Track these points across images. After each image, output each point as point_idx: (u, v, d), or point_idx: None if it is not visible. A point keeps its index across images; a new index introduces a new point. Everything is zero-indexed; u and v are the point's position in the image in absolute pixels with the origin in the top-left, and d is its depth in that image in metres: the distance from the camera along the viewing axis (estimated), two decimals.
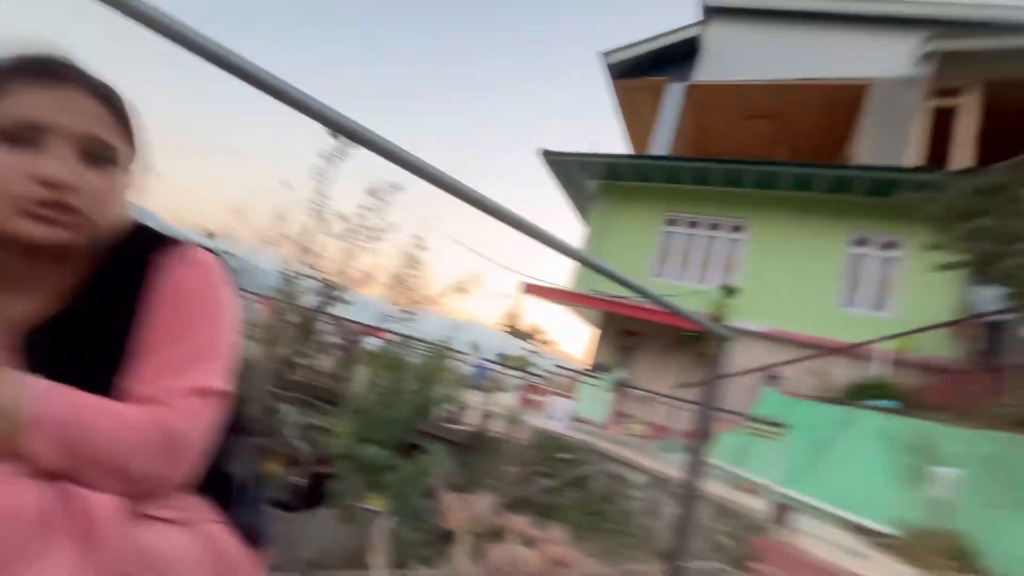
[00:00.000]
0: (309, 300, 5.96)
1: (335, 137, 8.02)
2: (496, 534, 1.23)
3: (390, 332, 6.54)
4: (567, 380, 9.40)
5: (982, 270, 5.91)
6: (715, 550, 4.55)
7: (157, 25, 0.64)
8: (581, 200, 12.59)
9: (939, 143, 8.88)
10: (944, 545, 3.94)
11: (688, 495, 2.03)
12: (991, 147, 8.16)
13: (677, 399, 7.72)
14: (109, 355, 0.62)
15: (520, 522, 1.27)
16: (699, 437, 2.01)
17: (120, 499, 0.53)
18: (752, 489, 5.37)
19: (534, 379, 8.70)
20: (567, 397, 7.75)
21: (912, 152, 8.92)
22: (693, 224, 10.09)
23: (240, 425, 0.76)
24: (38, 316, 0.62)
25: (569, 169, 10.95)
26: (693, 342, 8.84)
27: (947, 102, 9.12)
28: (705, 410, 2.03)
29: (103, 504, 0.50)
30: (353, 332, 6.66)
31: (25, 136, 0.57)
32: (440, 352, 5.43)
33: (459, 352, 7.05)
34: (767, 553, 4.26)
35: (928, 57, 9.00)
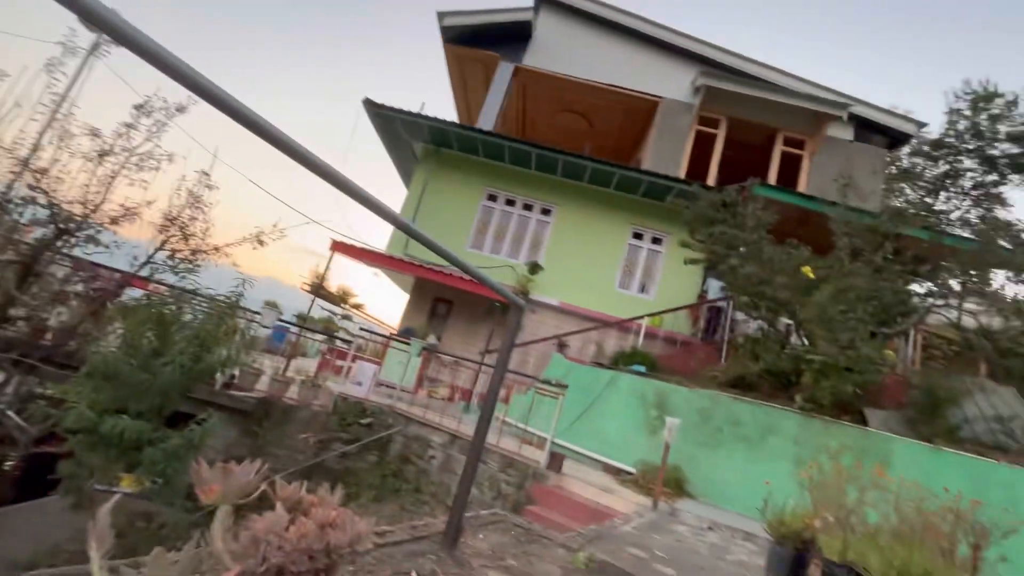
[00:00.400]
0: (34, 234, 4.57)
1: (88, 28, 6.20)
2: (263, 505, 1.14)
3: (159, 283, 5.46)
4: (376, 344, 9.19)
5: (713, 267, 7.61)
6: (498, 498, 5.05)
7: None
8: (405, 161, 12.21)
9: (701, 161, 11.04)
10: (667, 477, 5.08)
11: (474, 450, 2.19)
12: (733, 171, 10.48)
13: (481, 364, 8.22)
14: None
15: (290, 489, 1.20)
16: (489, 397, 2.17)
17: None
18: (535, 442, 6.09)
19: (340, 343, 8.29)
20: (375, 362, 7.60)
21: (683, 165, 10.91)
22: (510, 202, 10.69)
23: None
24: None
25: (395, 126, 10.50)
26: (499, 312, 9.47)
27: (707, 129, 11.37)
28: (499, 372, 2.19)
29: None
30: (105, 279, 5.35)
31: None
32: (224, 310, 4.73)
33: (251, 312, 6.28)
34: (541, 496, 4.91)
35: (698, 89, 11.06)
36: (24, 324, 4.96)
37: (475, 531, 2.71)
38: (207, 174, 5.74)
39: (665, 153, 11.10)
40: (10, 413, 4.50)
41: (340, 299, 9.39)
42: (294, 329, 7.70)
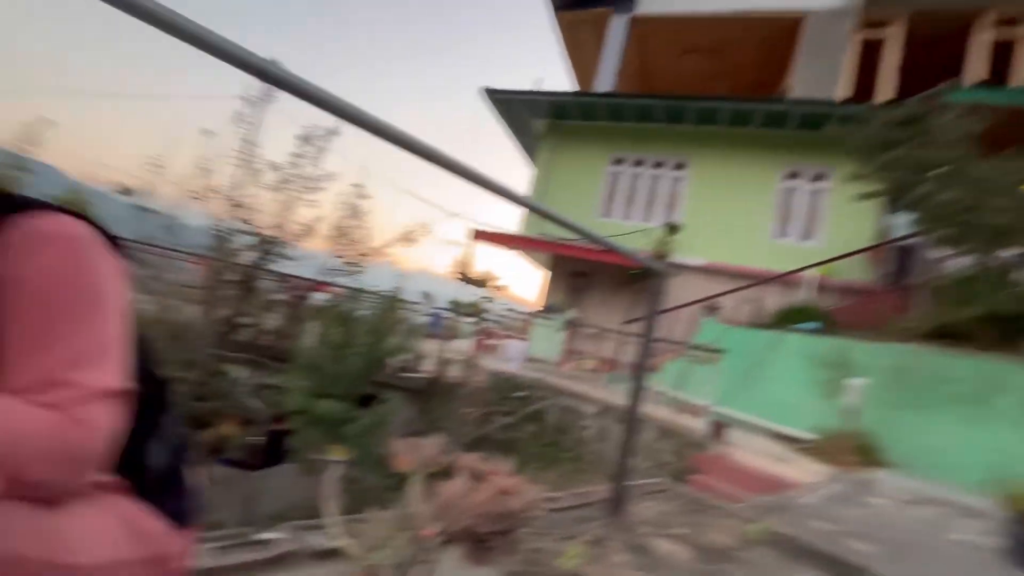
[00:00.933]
0: (247, 257, 5.67)
1: (261, 80, 7.36)
2: (447, 473, 1.29)
3: (337, 286, 6.38)
4: (521, 323, 9.62)
5: (897, 198, 6.37)
6: (658, 467, 4.98)
7: None
8: (528, 141, 12.37)
9: (867, 76, 9.23)
10: (852, 444, 4.49)
11: (630, 419, 2.19)
12: (912, 79, 8.58)
13: (624, 333, 8.10)
14: None
15: (470, 459, 1.33)
16: (640, 366, 2.14)
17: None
18: (693, 411, 5.84)
19: (489, 324, 8.84)
20: (522, 339, 7.97)
21: (842, 85, 9.25)
22: (638, 163, 10.19)
23: (159, 408, 0.73)
24: None
25: (514, 109, 10.66)
26: (638, 279, 9.19)
27: (875, 34, 9.41)
28: (645, 341, 2.15)
29: None
30: (298, 288, 6.44)
31: None
32: (391, 303, 5.37)
33: (411, 302, 7.01)
34: (705, 465, 4.72)
35: None
36: (250, 329, 6.22)
37: (640, 499, 2.73)
38: (361, 185, 6.50)
39: (818, 75, 9.51)
40: (251, 399, 5.72)
41: (484, 283, 10.00)
42: (447, 314, 8.41)
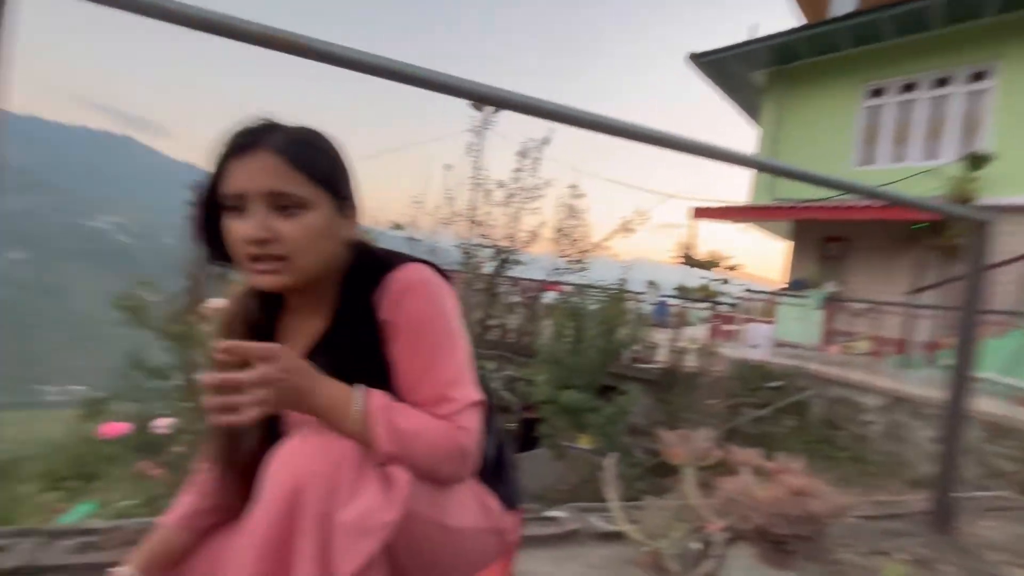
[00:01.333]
0: (488, 267, 6.46)
1: (478, 109, 8.34)
2: (721, 467, 1.22)
3: (565, 284, 6.74)
4: (762, 304, 8.57)
5: None
6: (993, 476, 3.79)
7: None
8: (747, 99, 10.96)
9: None
10: None
11: (954, 414, 1.72)
12: None
13: (912, 306, 6.45)
14: (367, 370, 0.73)
15: (748, 454, 1.23)
16: (962, 345, 1.66)
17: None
18: None
19: (723, 308, 8.13)
20: (766, 322, 7.09)
21: None
22: (908, 87, 8.00)
23: (488, 409, 0.87)
24: (315, 337, 0.78)
25: (727, 68, 9.57)
26: (926, 235, 7.18)
27: None
28: (967, 312, 1.66)
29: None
30: (531, 289, 7.04)
31: (237, 205, 0.69)
32: (617, 296, 5.42)
33: (636, 292, 6.94)
34: None
35: None
36: (496, 329, 7.06)
37: (974, 516, 2.12)
38: (576, 186, 6.74)
39: None
40: (503, 391, 6.49)
41: (712, 264, 9.23)
42: (675, 301, 8.05)
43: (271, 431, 0.76)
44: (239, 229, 0.68)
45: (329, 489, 0.59)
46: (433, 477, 0.69)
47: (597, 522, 1.56)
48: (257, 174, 0.67)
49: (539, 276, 7.20)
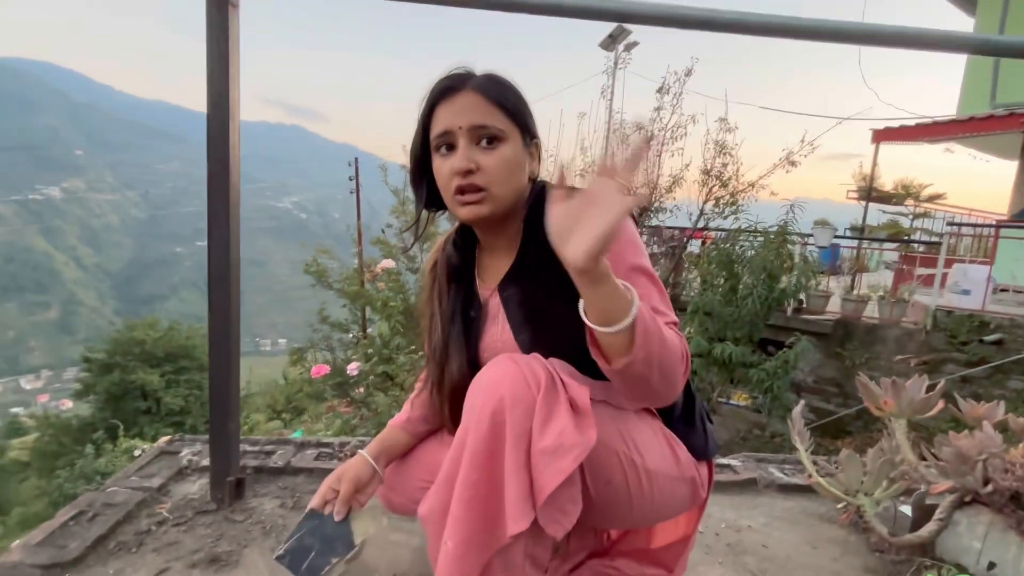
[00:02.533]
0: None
1: (609, 48, 7.86)
2: (940, 421, 1.04)
3: (714, 230, 6.22)
4: (975, 240, 6.98)
5: None
6: None
7: None
8: None
9: None
10: None
11: None
12: None
13: None
14: (555, 299, 0.74)
15: (988, 408, 1.03)
16: None
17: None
18: None
19: (917, 248, 6.81)
20: (980, 263, 5.78)
21: None
22: None
23: None
24: (506, 267, 0.83)
25: None
26: None
27: None
28: None
29: (582, 392, 0.67)
30: (675, 239, 6.62)
31: (446, 144, 0.76)
32: (777, 240, 4.82)
33: (801, 235, 6.12)
34: None
35: None
36: None
37: None
38: (724, 119, 6.06)
39: None
40: None
41: (901, 196, 7.69)
42: (850, 243, 6.95)
43: (472, 360, 0.83)
44: (447, 164, 0.75)
45: (526, 411, 0.63)
46: (661, 386, 0.66)
47: (777, 473, 1.46)
48: (461, 112, 0.75)
49: (684, 224, 6.73)
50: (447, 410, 0.85)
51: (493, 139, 0.75)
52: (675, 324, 0.71)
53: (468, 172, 0.74)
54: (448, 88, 0.76)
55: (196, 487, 1.29)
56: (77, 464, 7.59)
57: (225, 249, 1.15)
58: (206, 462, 1.32)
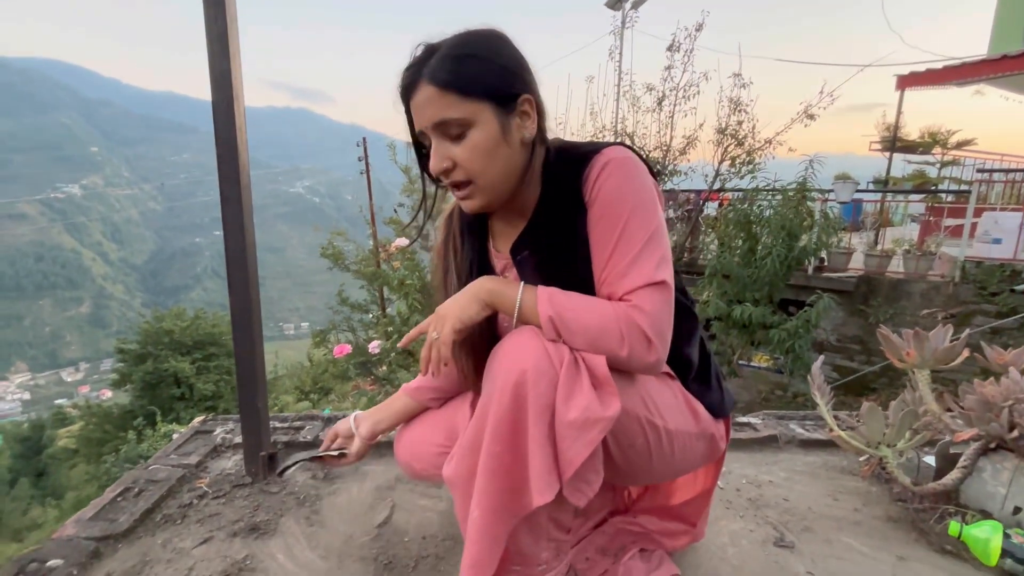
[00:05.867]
0: None
1: (616, 8, 7.57)
2: (966, 374, 1.02)
3: (731, 191, 6.07)
4: (1009, 187, 6.70)
5: None
6: None
7: None
8: None
9: None
10: None
11: None
12: None
13: None
14: (569, 256, 0.75)
15: (1013, 355, 1.01)
16: None
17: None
18: None
19: (946, 198, 6.56)
20: (1014, 210, 5.56)
21: None
22: None
23: (688, 311, 0.84)
24: (517, 231, 0.82)
25: None
26: None
27: None
28: None
29: (600, 361, 0.67)
30: (690, 201, 6.49)
31: (424, 144, 0.74)
32: (796, 197, 4.69)
33: (821, 191, 5.95)
34: None
35: None
36: None
37: None
38: (739, 75, 5.84)
39: None
40: None
41: (928, 145, 7.36)
42: (873, 197, 6.73)
43: (492, 331, 0.84)
44: (430, 167, 0.73)
45: (549, 385, 0.63)
46: (617, 362, 0.67)
47: (797, 429, 1.47)
48: (420, 111, 0.70)
49: (700, 186, 6.58)
50: (469, 366, 0.85)
51: (460, 129, 0.69)
52: (650, 284, 0.68)
53: (446, 171, 0.71)
54: (407, 86, 0.71)
55: (231, 463, 1.35)
56: (122, 449, 7.97)
57: (240, 230, 1.17)
58: (239, 439, 1.38)
